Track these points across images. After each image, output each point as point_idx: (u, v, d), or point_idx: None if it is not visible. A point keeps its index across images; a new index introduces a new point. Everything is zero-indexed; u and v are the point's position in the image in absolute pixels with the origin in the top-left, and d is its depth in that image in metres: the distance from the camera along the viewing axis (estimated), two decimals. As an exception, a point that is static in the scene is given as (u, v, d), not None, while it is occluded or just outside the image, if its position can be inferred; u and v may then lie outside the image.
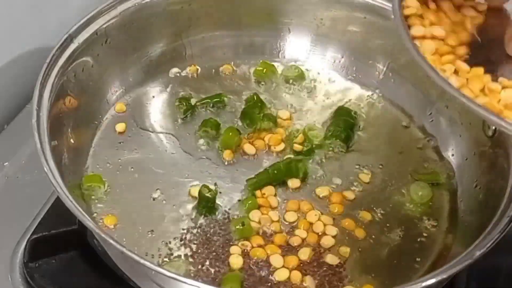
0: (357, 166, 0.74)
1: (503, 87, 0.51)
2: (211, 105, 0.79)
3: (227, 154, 0.73)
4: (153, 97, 0.80)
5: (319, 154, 0.74)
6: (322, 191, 0.71)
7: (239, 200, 0.69)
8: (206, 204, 0.68)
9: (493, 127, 0.69)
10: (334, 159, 0.74)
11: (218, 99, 0.79)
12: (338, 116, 0.78)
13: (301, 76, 0.82)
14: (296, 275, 0.64)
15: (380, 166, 0.74)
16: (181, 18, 0.81)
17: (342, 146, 0.75)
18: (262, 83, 0.83)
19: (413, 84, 0.80)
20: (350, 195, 0.71)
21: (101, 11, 0.74)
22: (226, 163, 0.73)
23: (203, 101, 0.79)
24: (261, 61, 0.84)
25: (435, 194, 0.72)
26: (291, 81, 0.82)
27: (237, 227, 0.66)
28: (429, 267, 0.66)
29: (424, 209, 0.70)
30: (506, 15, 0.58)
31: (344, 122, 0.77)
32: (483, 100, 0.50)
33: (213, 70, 0.83)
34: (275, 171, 0.71)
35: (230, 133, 0.74)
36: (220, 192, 0.70)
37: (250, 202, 0.68)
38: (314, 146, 0.74)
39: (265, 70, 0.83)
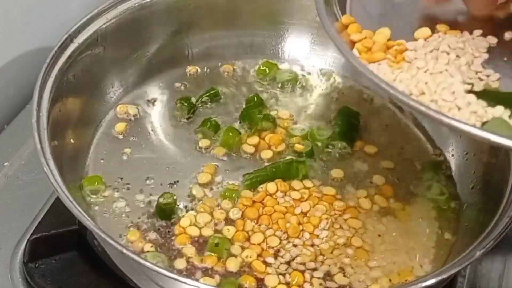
0: (359, 166, 0.74)
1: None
2: (208, 100, 0.79)
3: (219, 150, 0.74)
4: (153, 97, 0.80)
5: (323, 155, 0.74)
6: (327, 192, 0.71)
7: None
8: (160, 210, 0.67)
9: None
10: (338, 160, 0.74)
11: (213, 92, 0.80)
12: (341, 116, 0.78)
13: (294, 80, 0.82)
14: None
15: (382, 166, 0.74)
16: (181, 18, 0.81)
17: (346, 147, 0.75)
18: (263, 82, 0.83)
19: (413, 84, 0.80)
20: (353, 195, 0.71)
21: (101, 11, 0.74)
22: (226, 163, 0.73)
23: (200, 99, 0.79)
24: (263, 60, 0.84)
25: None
26: (285, 84, 0.82)
27: (211, 241, 0.65)
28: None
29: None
30: None
31: (348, 123, 0.77)
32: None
33: (213, 70, 0.84)
34: (274, 169, 0.71)
35: (230, 133, 0.74)
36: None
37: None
38: (316, 147, 0.75)
39: (267, 69, 0.83)
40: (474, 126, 0.49)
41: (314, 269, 0.64)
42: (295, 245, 0.66)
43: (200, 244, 0.66)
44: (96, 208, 0.68)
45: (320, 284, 0.63)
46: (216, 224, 0.67)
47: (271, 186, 0.70)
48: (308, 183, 0.71)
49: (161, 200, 0.67)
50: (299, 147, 0.75)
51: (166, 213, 0.67)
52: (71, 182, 0.65)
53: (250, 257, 0.64)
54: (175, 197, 0.68)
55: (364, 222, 0.68)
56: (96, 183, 0.69)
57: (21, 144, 0.76)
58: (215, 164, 0.73)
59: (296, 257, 0.65)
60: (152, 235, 0.66)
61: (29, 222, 0.69)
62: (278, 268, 0.64)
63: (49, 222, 0.67)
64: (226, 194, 0.69)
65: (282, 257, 0.65)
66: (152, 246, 0.65)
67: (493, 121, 0.51)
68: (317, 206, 0.69)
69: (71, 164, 0.69)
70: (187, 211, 0.68)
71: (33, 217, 0.69)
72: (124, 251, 0.55)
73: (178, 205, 0.68)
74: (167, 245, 0.65)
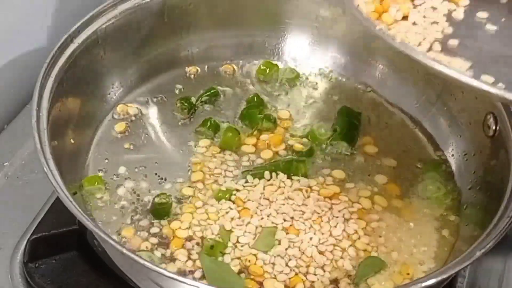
0: (360, 166, 0.74)
1: None
2: (208, 100, 0.79)
3: (218, 150, 0.74)
4: (153, 97, 0.80)
5: (323, 155, 0.74)
6: (328, 192, 0.71)
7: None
8: (155, 210, 0.67)
9: (493, 127, 0.69)
10: (339, 160, 0.74)
11: (213, 91, 0.80)
12: (342, 116, 0.78)
13: (296, 79, 0.83)
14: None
15: (382, 166, 0.74)
16: (181, 18, 0.81)
17: (347, 147, 0.75)
18: (263, 82, 0.83)
19: (413, 84, 0.80)
20: (354, 195, 0.71)
21: (101, 11, 0.74)
22: (226, 163, 0.73)
23: (200, 98, 0.79)
24: (264, 60, 0.84)
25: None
26: (287, 83, 0.82)
27: (206, 243, 0.65)
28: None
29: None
30: None
31: (348, 123, 0.77)
32: None
33: (213, 70, 0.84)
34: (273, 167, 0.71)
35: (230, 133, 0.74)
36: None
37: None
38: (317, 147, 0.75)
39: (268, 69, 0.83)
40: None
41: (315, 272, 0.64)
42: (295, 247, 0.66)
43: (196, 244, 0.65)
44: (96, 208, 0.68)
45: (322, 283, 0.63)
46: (212, 225, 0.67)
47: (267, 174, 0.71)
48: (309, 183, 0.71)
49: (156, 200, 0.67)
50: (298, 146, 0.75)
51: (161, 212, 0.67)
52: (71, 182, 0.65)
53: (249, 261, 0.64)
54: (170, 197, 0.68)
55: (366, 222, 0.68)
56: (96, 183, 0.69)
57: (21, 144, 0.76)
58: (215, 164, 0.73)
59: (296, 259, 0.65)
60: (151, 235, 0.66)
61: (29, 222, 0.69)
62: (277, 271, 0.64)
63: (49, 222, 0.68)
64: (226, 195, 0.69)
65: (282, 259, 0.65)
66: (149, 246, 0.65)
67: None
68: (318, 207, 0.69)
69: (71, 164, 0.69)
70: (185, 212, 0.68)
71: (33, 217, 0.69)
72: (124, 251, 0.55)
73: (176, 205, 0.68)
74: (164, 245, 0.65)
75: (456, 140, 0.75)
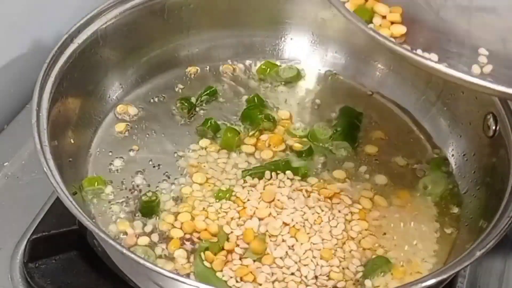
0: (361, 166, 0.74)
1: None
2: (207, 99, 0.79)
3: (218, 150, 0.74)
4: (153, 97, 0.80)
5: (324, 155, 0.74)
6: (328, 192, 0.70)
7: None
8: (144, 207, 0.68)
9: (493, 127, 0.69)
10: (339, 160, 0.74)
11: (212, 90, 0.80)
12: (343, 116, 0.78)
13: (297, 77, 0.83)
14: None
15: (383, 166, 0.74)
16: (181, 18, 0.81)
17: (347, 147, 0.75)
18: (263, 82, 0.83)
19: (413, 84, 0.80)
20: (355, 195, 0.71)
21: (101, 11, 0.74)
22: (225, 163, 0.73)
23: (199, 98, 0.79)
24: (264, 60, 0.84)
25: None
26: (287, 83, 0.82)
27: (202, 245, 0.65)
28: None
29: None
30: None
31: (349, 123, 0.77)
32: None
33: (213, 70, 0.84)
34: (273, 167, 0.72)
35: (229, 134, 0.74)
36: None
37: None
38: (317, 147, 0.75)
39: (268, 69, 0.83)
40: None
41: (315, 274, 0.64)
42: (295, 248, 0.66)
43: (195, 244, 0.65)
44: (96, 208, 0.68)
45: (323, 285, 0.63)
46: (211, 225, 0.67)
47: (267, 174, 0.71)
48: (309, 183, 0.71)
49: (143, 198, 0.68)
50: (298, 146, 0.75)
51: (148, 211, 0.67)
52: (71, 182, 0.65)
53: (246, 266, 0.64)
54: (158, 196, 0.68)
55: (367, 222, 0.68)
56: (96, 183, 0.69)
57: (21, 144, 0.76)
58: (215, 164, 0.73)
59: (296, 260, 0.65)
60: (150, 234, 0.66)
61: (29, 222, 0.69)
62: (276, 272, 0.64)
63: (49, 222, 0.68)
64: (226, 195, 0.69)
65: (281, 260, 0.65)
66: (148, 245, 0.65)
67: None
68: (318, 207, 0.69)
69: (71, 164, 0.69)
70: (184, 211, 0.68)
71: (33, 217, 0.69)
72: (124, 251, 0.55)
73: (175, 204, 0.68)
74: (163, 245, 0.65)
75: (456, 140, 0.76)
